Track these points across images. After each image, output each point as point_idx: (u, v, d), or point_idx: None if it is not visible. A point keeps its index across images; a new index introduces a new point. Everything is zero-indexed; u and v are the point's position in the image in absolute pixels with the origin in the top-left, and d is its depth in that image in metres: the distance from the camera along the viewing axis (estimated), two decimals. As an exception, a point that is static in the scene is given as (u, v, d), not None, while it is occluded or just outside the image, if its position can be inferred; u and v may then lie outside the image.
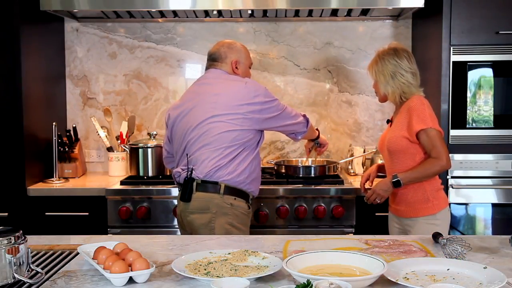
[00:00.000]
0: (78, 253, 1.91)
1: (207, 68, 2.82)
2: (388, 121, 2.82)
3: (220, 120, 2.60)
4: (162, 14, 3.59)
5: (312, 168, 3.44)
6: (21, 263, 1.60)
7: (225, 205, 2.60)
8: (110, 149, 3.70)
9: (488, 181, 3.22)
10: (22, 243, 1.61)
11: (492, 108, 3.20)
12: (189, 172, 2.63)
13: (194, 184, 2.62)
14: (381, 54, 2.70)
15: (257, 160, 2.73)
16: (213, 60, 2.78)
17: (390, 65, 2.65)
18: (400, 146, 2.61)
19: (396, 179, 2.57)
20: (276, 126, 2.75)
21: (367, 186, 2.86)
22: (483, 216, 3.28)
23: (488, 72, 3.20)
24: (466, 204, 3.24)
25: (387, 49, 2.70)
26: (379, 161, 3.35)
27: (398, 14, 3.69)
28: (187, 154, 2.66)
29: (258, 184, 2.78)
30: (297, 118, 2.83)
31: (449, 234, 2.98)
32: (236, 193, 2.64)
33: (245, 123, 2.61)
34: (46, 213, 3.24)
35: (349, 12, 3.59)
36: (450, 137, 3.20)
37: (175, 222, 3.14)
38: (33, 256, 1.86)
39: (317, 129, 3.15)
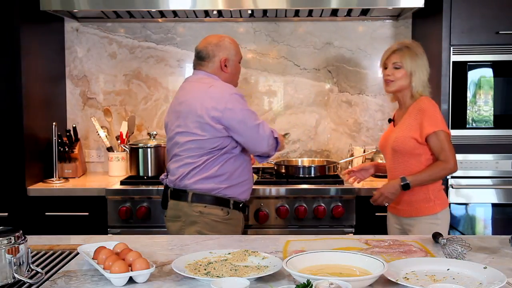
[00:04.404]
0: (78, 253, 1.91)
1: (194, 66, 2.75)
2: (390, 120, 2.81)
3: (183, 130, 2.57)
4: (162, 14, 3.59)
5: (312, 168, 3.44)
6: (21, 263, 1.60)
7: (193, 213, 2.55)
8: (110, 149, 3.70)
9: (488, 181, 3.22)
10: (22, 243, 1.61)
11: (492, 108, 3.20)
12: (166, 180, 2.69)
13: (169, 191, 2.65)
14: (418, 48, 2.64)
15: (236, 164, 2.60)
16: (200, 58, 2.70)
17: (426, 62, 2.64)
18: (408, 147, 2.60)
19: (405, 182, 2.55)
20: (237, 138, 2.56)
21: (351, 177, 2.94)
22: (483, 216, 3.28)
23: (488, 72, 3.20)
24: (466, 204, 3.24)
25: (419, 44, 2.67)
26: (379, 161, 3.36)
27: (398, 14, 3.69)
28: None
29: (243, 189, 2.65)
30: (263, 140, 2.56)
31: (449, 234, 2.98)
32: (208, 200, 2.56)
33: (207, 131, 2.51)
34: (46, 213, 3.24)
35: (349, 12, 3.59)
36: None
37: (175, 222, 3.15)
38: (33, 256, 1.86)
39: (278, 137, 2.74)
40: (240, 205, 2.67)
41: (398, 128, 2.66)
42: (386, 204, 2.66)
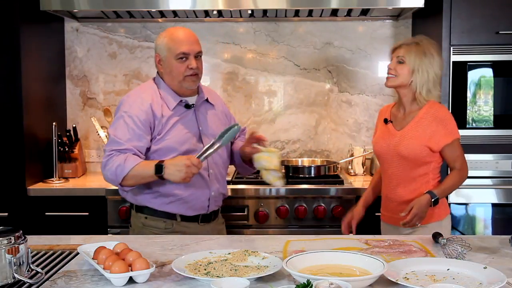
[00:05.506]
0: (78, 253, 1.91)
1: None
2: (386, 121, 2.62)
3: None
4: (162, 14, 3.59)
5: (312, 168, 3.44)
6: (21, 263, 1.60)
7: (138, 223, 2.47)
8: (110, 149, 3.69)
9: (488, 181, 3.22)
10: (22, 243, 1.61)
11: (492, 108, 3.20)
12: None
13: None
14: (429, 47, 2.47)
15: (165, 181, 2.31)
16: None
17: (434, 64, 2.46)
18: (420, 155, 2.46)
19: (435, 198, 2.40)
20: None
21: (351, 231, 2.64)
22: (483, 216, 3.28)
23: (488, 72, 3.20)
24: (466, 204, 3.24)
25: (434, 43, 2.50)
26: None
27: (398, 14, 3.69)
28: None
29: (188, 205, 2.41)
30: (102, 167, 2.35)
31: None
32: (149, 211, 2.43)
33: None
34: (46, 213, 3.24)
35: (349, 12, 3.59)
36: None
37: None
38: (33, 256, 1.86)
39: (159, 168, 2.26)
40: (200, 216, 2.46)
41: (407, 134, 2.49)
42: (418, 224, 2.42)
